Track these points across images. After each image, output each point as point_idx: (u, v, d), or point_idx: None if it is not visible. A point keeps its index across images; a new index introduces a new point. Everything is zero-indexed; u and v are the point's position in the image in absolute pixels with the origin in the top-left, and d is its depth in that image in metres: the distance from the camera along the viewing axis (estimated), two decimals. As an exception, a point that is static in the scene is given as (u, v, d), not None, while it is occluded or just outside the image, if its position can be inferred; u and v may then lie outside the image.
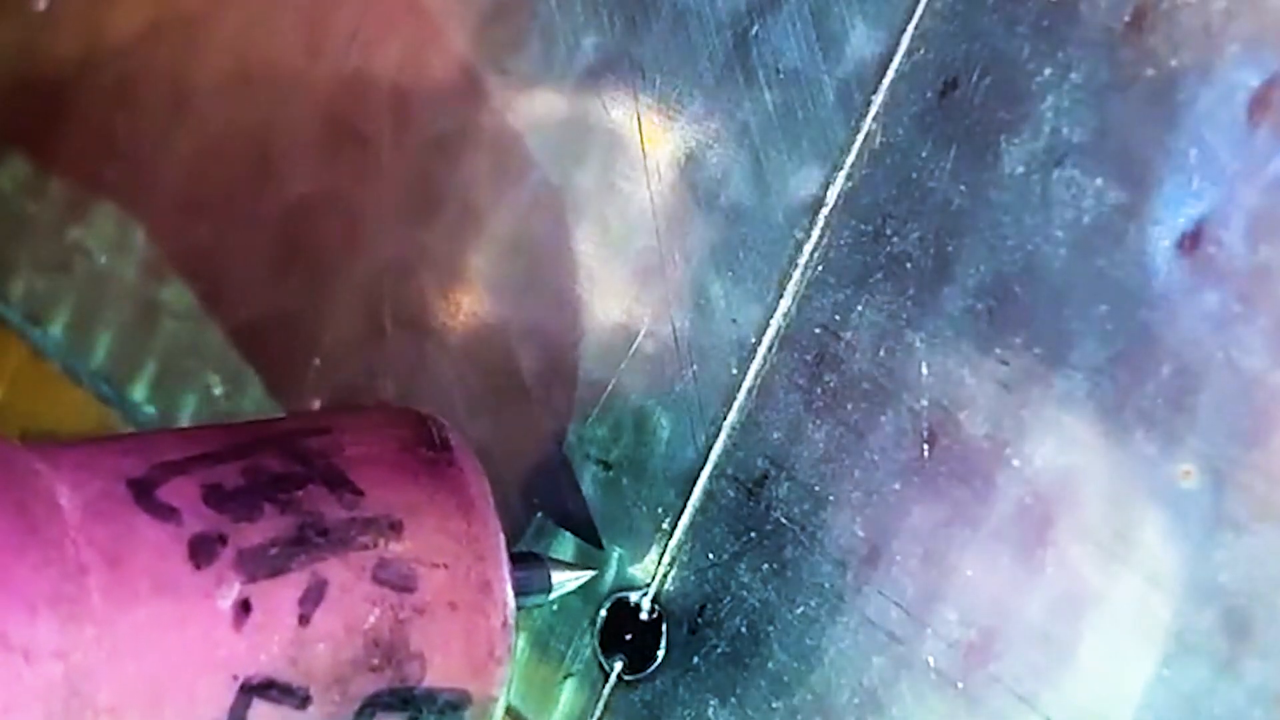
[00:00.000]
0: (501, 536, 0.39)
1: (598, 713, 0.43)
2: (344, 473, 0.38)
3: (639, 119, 0.43)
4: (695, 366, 0.42)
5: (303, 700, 0.36)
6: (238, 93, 0.52)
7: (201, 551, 0.36)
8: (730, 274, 0.42)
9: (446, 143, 0.47)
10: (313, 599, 0.36)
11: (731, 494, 0.41)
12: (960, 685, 0.37)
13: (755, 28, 0.42)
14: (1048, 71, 0.37)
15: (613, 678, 0.43)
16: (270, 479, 0.37)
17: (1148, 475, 0.35)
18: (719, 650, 0.41)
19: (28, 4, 0.57)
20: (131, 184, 0.55)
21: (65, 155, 0.57)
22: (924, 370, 0.38)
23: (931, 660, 0.38)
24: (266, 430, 0.39)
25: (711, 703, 0.41)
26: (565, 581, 0.42)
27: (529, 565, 0.41)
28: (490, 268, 0.47)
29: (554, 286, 0.45)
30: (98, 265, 0.55)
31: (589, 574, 0.42)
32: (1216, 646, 0.34)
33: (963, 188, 0.38)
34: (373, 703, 0.37)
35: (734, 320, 0.42)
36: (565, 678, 0.44)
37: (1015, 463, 0.37)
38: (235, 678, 0.35)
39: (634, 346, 0.43)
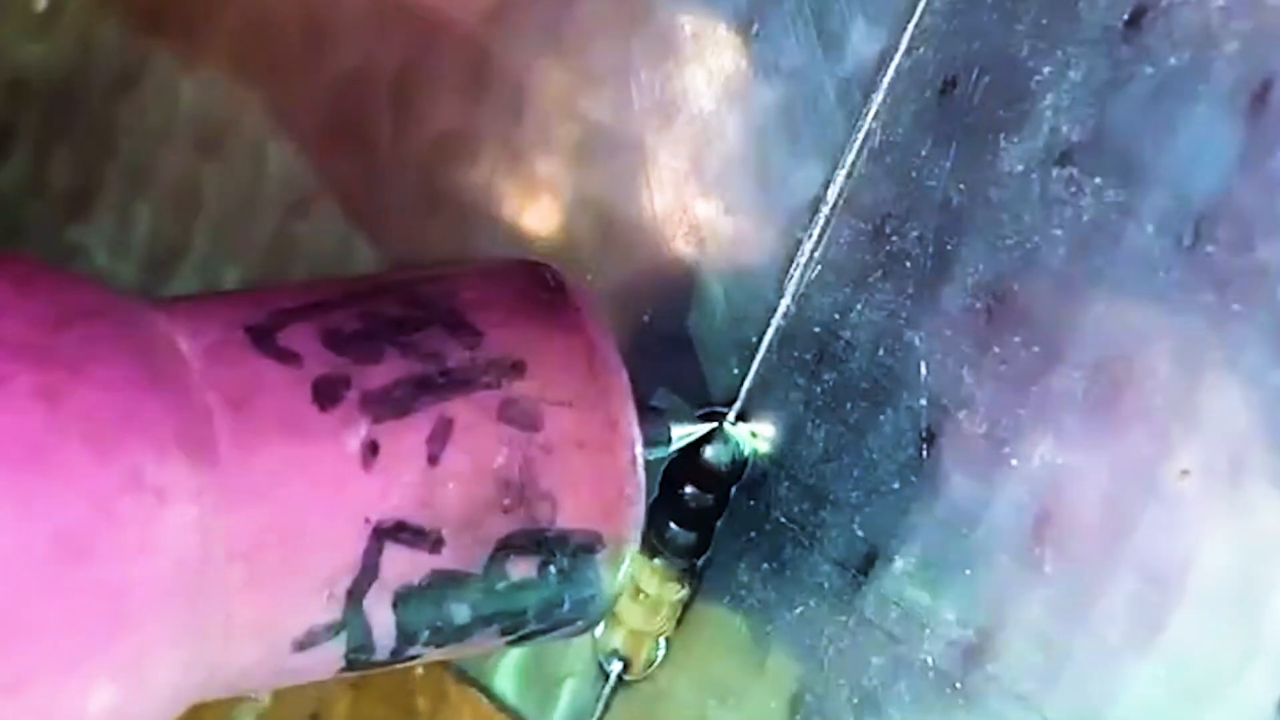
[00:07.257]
0: (626, 375, 0.38)
1: (598, 713, 0.43)
2: (462, 315, 0.37)
3: (639, 118, 0.43)
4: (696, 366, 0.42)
5: (435, 543, 0.35)
6: (239, 89, 0.52)
7: (326, 393, 0.35)
8: (731, 273, 0.42)
9: (447, 142, 0.47)
10: (439, 439, 0.35)
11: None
12: (959, 685, 0.37)
13: (756, 26, 0.41)
14: (1047, 70, 0.37)
15: (613, 678, 0.43)
16: (389, 322, 0.36)
17: (1147, 475, 0.35)
18: (718, 649, 0.41)
19: (28, 4, 0.57)
20: (132, 183, 0.55)
21: (65, 154, 0.57)
22: (923, 369, 0.38)
23: (930, 660, 0.37)
24: (380, 280, 0.38)
25: (711, 702, 0.41)
26: (685, 435, 0.41)
27: (650, 417, 0.40)
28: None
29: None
30: (98, 265, 0.55)
31: (708, 426, 0.41)
32: (1216, 647, 0.34)
33: (962, 186, 0.38)
34: (505, 545, 0.36)
35: (734, 320, 0.42)
36: (565, 678, 0.44)
37: (1014, 462, 0.37)
38: (367, 520, 0.35)
39: (635, 347, 0.43)
